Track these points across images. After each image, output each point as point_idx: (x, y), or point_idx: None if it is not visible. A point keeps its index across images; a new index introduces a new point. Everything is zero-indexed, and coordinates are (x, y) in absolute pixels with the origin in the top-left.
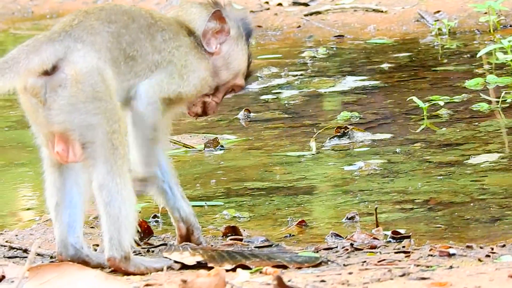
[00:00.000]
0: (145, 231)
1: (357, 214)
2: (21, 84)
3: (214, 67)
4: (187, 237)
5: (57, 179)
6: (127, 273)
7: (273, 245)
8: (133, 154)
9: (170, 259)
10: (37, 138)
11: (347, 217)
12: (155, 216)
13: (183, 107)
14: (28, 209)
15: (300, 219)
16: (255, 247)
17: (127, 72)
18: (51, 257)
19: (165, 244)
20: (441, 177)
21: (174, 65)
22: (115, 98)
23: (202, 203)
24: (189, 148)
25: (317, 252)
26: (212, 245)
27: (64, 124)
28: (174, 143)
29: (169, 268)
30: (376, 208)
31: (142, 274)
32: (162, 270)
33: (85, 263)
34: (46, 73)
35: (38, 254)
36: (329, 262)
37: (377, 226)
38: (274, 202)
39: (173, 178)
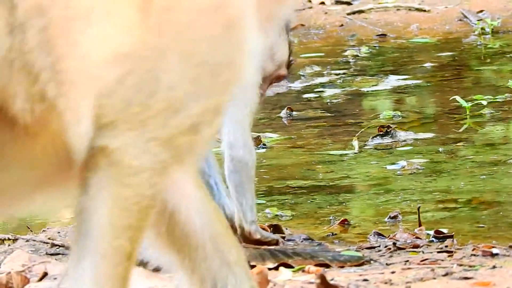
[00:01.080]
0: None
1: (399, 213)
2: None
3: None
4: None
5: None
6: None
7: (316, 244)
8: (237, 205)
9: None
10: None
11: (389, 216)
12: None
13: None
14: (68, 206)
15: (342, 218)
16: (298, 245)
17: None
18: None
19: None
20: (484, 176)
21: None
22: None
23: None
24: None
25: (360, 251)
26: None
27: None
28: (217, 141)
29: None
30: (419, 207)
31: None
32: None
33: None
34: None
35: None
36: (371, 261)
37: (420, 225)
38: (316, 200)
39: (218, 174)
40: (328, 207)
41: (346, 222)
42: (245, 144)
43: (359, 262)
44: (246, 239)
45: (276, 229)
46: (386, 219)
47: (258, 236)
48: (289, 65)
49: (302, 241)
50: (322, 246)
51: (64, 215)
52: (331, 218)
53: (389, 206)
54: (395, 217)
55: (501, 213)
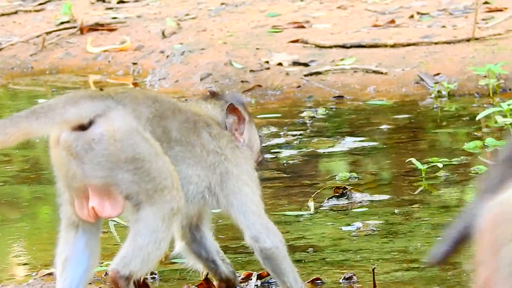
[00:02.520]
0: (141, 287)
1: (354, 275)
2: (54, 137)
3: None
4: None
5: (72, 238)
6: None
7: None
8: (282, 284)
9: None
10: (61, 195)
11: (344, 278)
12: (152, 273)
13: None
14: (25, 264)
15: (314, 277)
16: None
17: (172, 156)
18: None
19: None
20: (440, 238)
21: (232, 173)
22: (162, 155)
23: None
24: None
25: None
26: None
27: (106, 179)
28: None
29: None
30: (374, 268)
31: None
32: None
33: None
34: (80, 128)
35: None
36: None
37: (375, 286)
38: None
39: (215, 250)
40: None
41: (318, 280)
42: (268, 232)
43: None
44: None
45: (228, 286)
46: (341, 281)
47: None
48: (261, 148)
49: None
50: None
51: (18, 273)
52: None
53: (344, 267)
54: (349, 278)
55: (458, 275)
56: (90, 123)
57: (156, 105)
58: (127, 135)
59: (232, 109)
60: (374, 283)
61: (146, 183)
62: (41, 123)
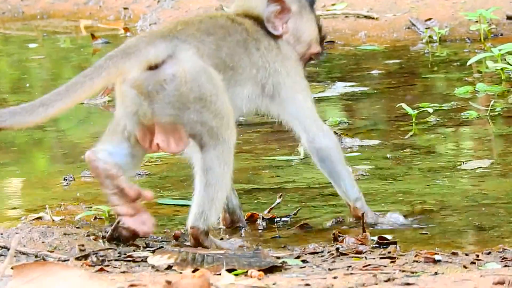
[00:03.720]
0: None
1: (343, 219)
2: (122, 76)
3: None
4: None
5: (119, 142)
6: (202, 246)
7: (253, 249)
8: (337, 188)
9: (242, 243)
10: (118, 122)
11: (333, 222)
12: None
13: None
14: (14, 208)
15: (302, 222)
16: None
17: (227, 81)
18: (36, 256)
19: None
20: (439, 181)
21: (284, 84)
22: (224, 95)
23: (188, 202)
24: None
25: (302, 256)
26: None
27: (173, 117)
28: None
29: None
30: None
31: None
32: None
33: (112, 177)
34: (150, 67)
35: (23, 253)
36: (314, 266)
37: (364, 231)
38: (261, 201)
39: None
40: (273, 210)
41: (307, 226)
42: (324, 133)
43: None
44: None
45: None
46: (328, 224)
47: (360, 213)
48: (321, 40)
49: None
50: (257, 252)
51: (7, 217)
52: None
53: (334, 212)
54: (339, 222)
55: (448, 219)
56: (162, 62)
57: (210, 38)
58: (196, 76)
59: None
60: (364, 228)
61: (210, 122)
62: (133, 62)
